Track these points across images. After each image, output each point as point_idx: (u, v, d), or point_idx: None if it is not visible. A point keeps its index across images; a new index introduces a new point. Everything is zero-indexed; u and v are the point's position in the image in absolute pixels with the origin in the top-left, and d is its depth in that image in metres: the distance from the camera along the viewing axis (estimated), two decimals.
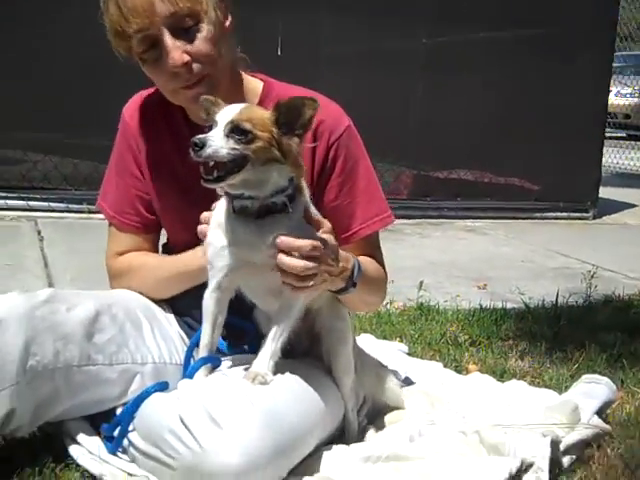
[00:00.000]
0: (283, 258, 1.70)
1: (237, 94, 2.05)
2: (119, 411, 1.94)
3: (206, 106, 1.76)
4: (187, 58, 1.91)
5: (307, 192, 1.83)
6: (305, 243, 1.72)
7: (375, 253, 2.19)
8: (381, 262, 2.20)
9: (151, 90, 2.17)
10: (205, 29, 1.94)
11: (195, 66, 1.93)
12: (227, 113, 1.68)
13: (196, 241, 1.92)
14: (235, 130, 1.65)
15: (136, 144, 2.16)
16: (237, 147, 1.64)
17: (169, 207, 2.16)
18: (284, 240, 1.70)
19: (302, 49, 5.89)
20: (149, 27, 1.89)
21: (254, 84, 2.14)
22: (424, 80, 6.67)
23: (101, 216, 2.29)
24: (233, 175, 1.66)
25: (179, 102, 2.03)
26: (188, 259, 2.05)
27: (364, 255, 2.10)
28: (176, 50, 1.91)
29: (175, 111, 2.10)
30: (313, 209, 1.85)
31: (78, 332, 1.92)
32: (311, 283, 1.75)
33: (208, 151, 1.61)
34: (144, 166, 2.16)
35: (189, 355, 2.01)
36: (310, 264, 1.72)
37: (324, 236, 1.79)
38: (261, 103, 2.03)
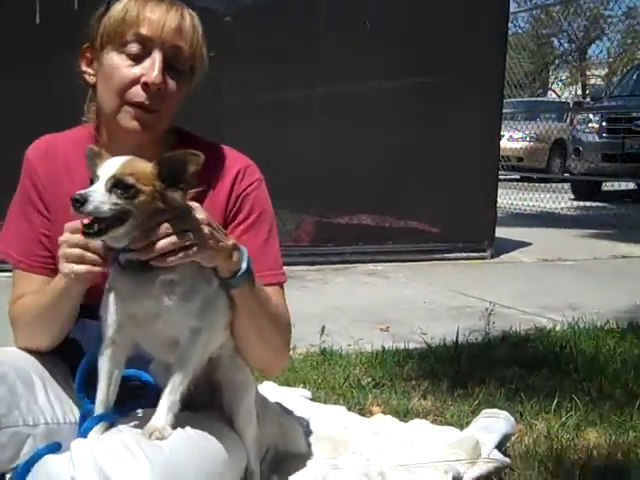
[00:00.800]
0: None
1: (159, 143, 2.03)
2: (9, 477, 1.85)
3: (89, 157, 1.73)
4: (163, 84, 1.92)
5: None
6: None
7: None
8: (284, 308, 2.15)
9: (53, 136, 2.15)
10: (186, 83, 1.99)
11: (159, 97, 1.93)
12: (109, 167, 1.65)
13: (100, 283, 1.84)
14: (117, 184, 1.61)
15: (40, 183, 2.09)
16: (119, 202, 1.60)
17: None
18: None
19: (202, 100, 5.91)
20: (154, 40, 1.90)
21: (169, 134, 2.11)
22: (323, 128, 6.77)
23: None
24: (114, 229, 1.62)
25: (115, 120, 1.97)
26: (58, 278, 1.93)
27: None
28: (161, 73, 1.91)
29: (81, 152, 2.04)
30: None
31: None
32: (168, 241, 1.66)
33: (89, 207, 1.57)
34: (49, 204, 2.09)
35: (83, 414, 1.95)
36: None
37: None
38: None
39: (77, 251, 1.75)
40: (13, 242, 2.14)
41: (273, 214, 2.18)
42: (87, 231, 1.63)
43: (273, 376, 2.99)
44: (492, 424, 2.53)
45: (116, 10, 1.93)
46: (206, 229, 1.72)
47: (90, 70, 2.02)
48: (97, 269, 1.76)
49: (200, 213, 1.74)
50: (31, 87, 5.56)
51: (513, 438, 2.62)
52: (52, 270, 2.09)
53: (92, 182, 1.64)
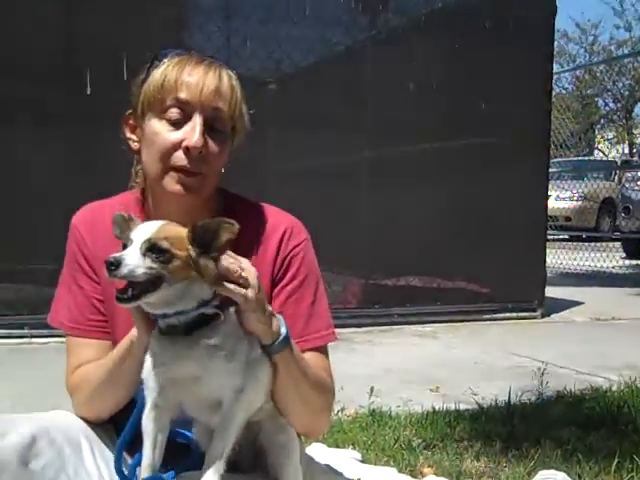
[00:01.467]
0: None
1: (205, 206, 2.04)
2: None
3: (118, 222, 1.72)
4: (204, 148, 1.92)
5: None
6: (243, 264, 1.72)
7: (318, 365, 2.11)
8: (327, 371, 2.11)
9: (99, 202, 2.17)
10: (229, 143, 1.99)
11: (201, 161, 1.94)
12: (144, 230, 1.65)
13: None
14: (152, 249, 1.60)
15: (87, 249, 2.11)
16: (154, 266, 1.59)
17: (118, 315, 2.11)
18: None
19: (248, 165, 6.00)
20: (191, 104, 1.91)
21: (216, 196, 2.12)
22: (369, 191, 6.83)
23: (42, 340, 2.22)
24: (148, 294, 1.61)
25: (160, 184, 1.98)
26: (123, 341, 1.96)
27: None
28: (201, 135, 1.92)
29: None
30: None
31: (12, 460, 1.81)
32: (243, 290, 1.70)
33: (124, 271, 1.56)
34: (97, 270, 2.09)
35: (119, 465, 1.93)
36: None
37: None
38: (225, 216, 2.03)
39: None
40: (65, 310, 2.15)
41: (319, 273, 2.16)
42: (121, 296, 1.61)
43: (314, 438, 2.91)
44: None
45: (155, 77, 1.95)
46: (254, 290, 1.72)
47: (134, 137, 2.04)
48: None
49: (251, 274, 1.73)
50: (82, 156, 5.73)
51: None
52: (107, 333, 2.10)
53: (125, 246, 1.64)
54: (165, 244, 1.62)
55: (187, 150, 1.92)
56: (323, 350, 2.11)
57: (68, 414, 2.10)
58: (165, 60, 1.95)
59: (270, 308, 1.82)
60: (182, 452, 1.99)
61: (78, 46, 5.93)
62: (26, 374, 4.21)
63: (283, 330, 1.84)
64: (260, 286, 1.75)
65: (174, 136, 1.93)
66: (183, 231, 1.68)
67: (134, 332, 1.85)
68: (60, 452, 1.93)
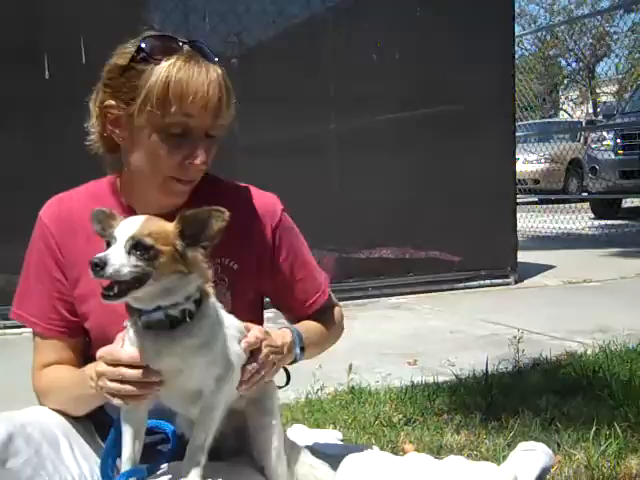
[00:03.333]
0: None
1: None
2: None
3: (99, 218, 1.70)
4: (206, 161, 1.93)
5: (213, 295, 1.79)
6: (252, 338, 1.83)
7: (333, 307, 2.33)
8: (339, 308, 2.36)
9: (70, 193, 2.13)
10: (217, 144, 1.98)
11: (201, 170, 1.95)
12: (127, 228, 1.62)
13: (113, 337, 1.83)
14: (136, 246, 1.59)
15: (56, 246, 2.07)
16: (139, 264, 1.58)
17: (92, 310, 2.08)
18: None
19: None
20: (195, 117, 1.88)
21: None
22: (338, 164, 6.80)
23: (16, 331, 2.19)
24: (134, 290, 1.60)
25: (161, 191, 1.96)
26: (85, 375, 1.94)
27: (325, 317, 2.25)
28: (204, 150, 1.91)
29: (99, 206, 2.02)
30: (221, 310, 1.82)
31: None
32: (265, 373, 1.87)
33: (109, 271, 1.55)
34: (65, 268, 2.07)
35: (105, 469, 1.91)
36: (260, 362, 1.85)
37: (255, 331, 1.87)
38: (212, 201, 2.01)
39: (115, 386, 1.74)
40: (28, 304, 2.13)
41: (299, 232, 2.27)
42: (107, 293, 1.60)
43: None
44: (530, 458, 2.45)
45: (158, 84, 1.86)
46: (269, 354, 1.89)
47: (117, 131, 1.97)
48: (133, 401, 1.76)
49: (259, 334, 1.87)
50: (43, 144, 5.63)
51: (552, 470, 2.55)
52: (66, 334, 2.10)
53: (109, 244, 1.62)
54: (149, 241, 1.60)
55: (189, 164, 1.91)
56: (330, 295, 2.31)
57: (44, 410, 2.08)
58: (163, 62, 1.88)
59: (279, 333, 2.02)
60: (162, 444, 1.99)
61: (37, 28, 5.78)
62: None
63: (297, 351, 2.03)
64: (270, 342, 1.91)
65: (177, 155, 1.91)
66: (167, 225, 1.66)
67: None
68: (38, 450, 1.90)
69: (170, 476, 1.81)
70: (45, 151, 5.68)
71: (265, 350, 1.86)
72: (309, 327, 2.16)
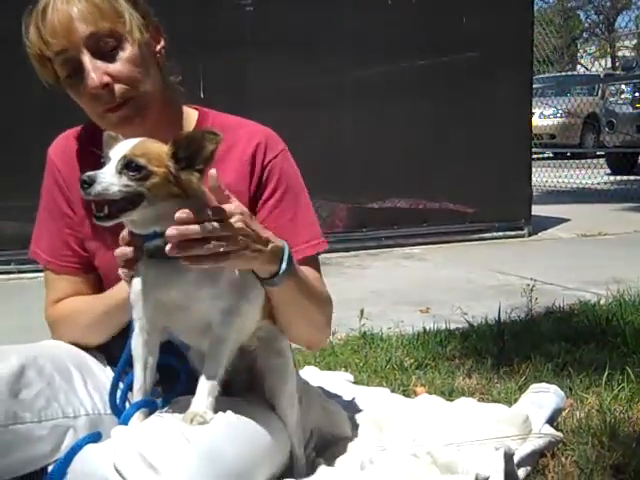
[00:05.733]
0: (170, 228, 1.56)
1: (173, 123, 2.02)
2: (50, 468, 1.83)
3: (107, 142, 1.67)
4: (107, 79, 1.85)
5: None
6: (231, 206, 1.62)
7: (321, 277, 2.11)
8: (319, 281, 2.09)
9: (77, 128, 2.12)
10: (128, 50, 1.88)
11: (117, 87, 1.87)
12: (120, 148, 1.60)
13: None
14: (128, 166, 1.55)
15: (64, 182, 2.08)
16: (130, 184, 1.55)
17: (102, 245, 2.07)
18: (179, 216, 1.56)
19: (227, 90, 5.87)
20: (68, 48, 1.84)
21: (189, 113, 2.10)
22: (351, 114, 6.72)
23: (30, 276, 2.19)
24: (126, 212, 1.57)
25: (108, 127, 1.90)
26: (115, 291, 1.96)
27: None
28: (96, 71, 1.85)
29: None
30: None
31: (2, 390, 1.80)
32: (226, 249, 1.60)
33: (97, 188, 1.52)
34: (75, 204, 2.07)
35: (113, 399, 1.92)
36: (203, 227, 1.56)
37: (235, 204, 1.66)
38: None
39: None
40: (42, 242, 2.14)
41: (302, 182, 2.13)
42: (98, 215, 1.57)
43: (317, 349, 3.01)
44: (542, 399, 2.45)
45: (30, 46, 1.88)
46: (242, 229, 1.63)
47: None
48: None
49: (236, 208, 1.65)
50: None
51: (564, 413, 2.54)
52: (80, 270, 2.11)
53: (104, 165, 1.59)
54: (141, 161, 1.57)
55: (95, 92, 1.87)
56: (314, 260, 2.09)
57: (56, 343, 2.10)
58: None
59: (269, 247, 1.73)
60: (173, 379, 1.99)
61: None
62: (14, 310, 4.19)
63: (283, 266, 1.78)
64: (247, 222, 1.66)
65: (82, 92, 1.88)
66: (162, 147, 1.62)
67: (124, 290, 1.81)
68: (50, 381, 1.92)
69: (181, 408, 1.80)
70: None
71: (239, 223, 1.63)
72: (303, 269, 1.97)
